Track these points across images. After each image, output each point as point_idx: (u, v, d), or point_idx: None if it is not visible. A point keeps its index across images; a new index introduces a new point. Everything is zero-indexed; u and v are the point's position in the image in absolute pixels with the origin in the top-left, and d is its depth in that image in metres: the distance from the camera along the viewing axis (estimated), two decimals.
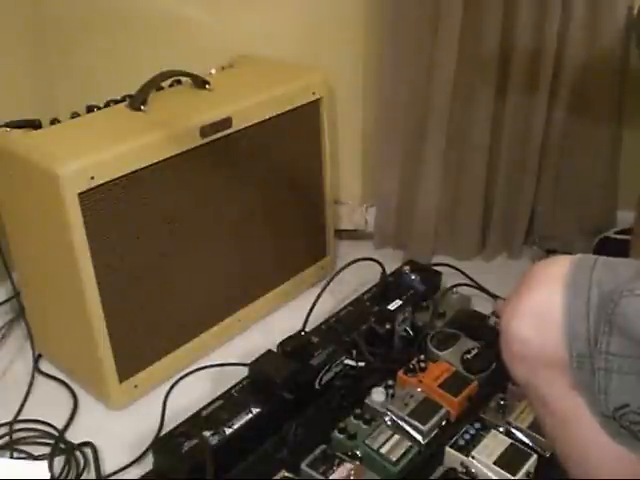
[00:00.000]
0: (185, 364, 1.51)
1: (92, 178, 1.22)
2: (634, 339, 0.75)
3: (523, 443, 1.23)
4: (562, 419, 0.85)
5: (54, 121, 1.35)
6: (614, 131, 1.74)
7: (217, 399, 1.30)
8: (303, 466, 1.18)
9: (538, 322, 0.80)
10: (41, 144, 1.28)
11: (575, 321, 0.78)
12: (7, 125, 1.32)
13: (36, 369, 1.51)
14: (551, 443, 0.92)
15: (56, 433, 1.35)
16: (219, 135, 1.40)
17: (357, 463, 1.19)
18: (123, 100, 1.42)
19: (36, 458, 1.30)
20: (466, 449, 1.20)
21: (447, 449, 1.21)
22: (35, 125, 1.32)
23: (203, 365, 1.51)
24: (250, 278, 1.59)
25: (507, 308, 0.84)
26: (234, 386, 1.33)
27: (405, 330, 1.51)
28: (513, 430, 1.26)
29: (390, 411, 1.28)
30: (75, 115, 1.37)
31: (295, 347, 1.37)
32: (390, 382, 1.35)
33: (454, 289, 1.64)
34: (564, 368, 0.80)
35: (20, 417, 1.38)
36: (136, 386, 1.43)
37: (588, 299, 0.78)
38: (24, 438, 1.34)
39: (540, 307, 0.80)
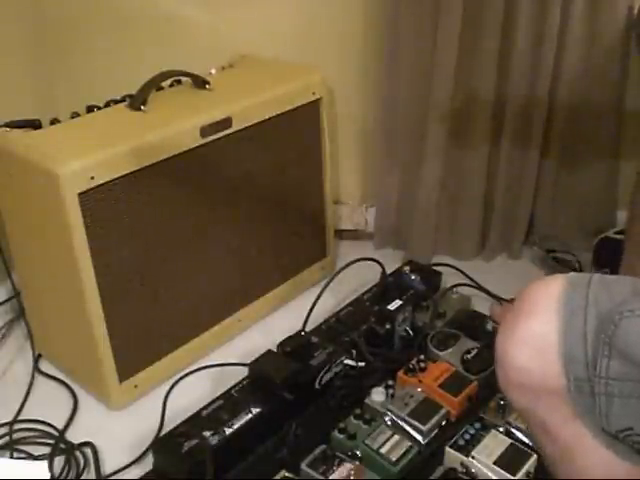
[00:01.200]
0: (185, 364, 1.51)
1: (92, 178, 1.22)
2: (635, 362, 0.73)
3: (523, 443, 1.23)
4: (564, 446, 0.82)
5: (54, 121, 1.35)
6: (614, 131, 1.74)
7: (217, 399, 1.30)
8: (303, 466, 1.18)
9: (535, 349, 0.78)
10: (41, 144, 1.28)
11: (572, 344, 0.76)
12: (7, 125, 1.32)
13: (36, 369, 1.50)
14: (551, 467, 0.90)
15: (56, 433, 1.35)
16: (219, 135, 1.40)
17: (357, 463, 1.19)
18: (123, 100, 1.42)
19: (36, 458, 1.30)
20: (466, 449, 1.20)
21: (447, 449, 1.21)
22: (35, 125, 1.32)
23: (203, 365, 1.51)
24: (250, 278, 1.59)
25: (503, 334, 0.82)
26: (234, 386, 1.33)
27: (405, 330, 1.51)
28: (513, 430, 1.26)
29: (390, 411, 1.28)
30: (75, 115, 1.37)
31: (295, 347, 1.37)
32: (390, 382, 1.35)
33: (454, 289, 1.64)
34: (565, 395, 0.78)
35: (20, 417, 1.38)
36: (136, 386, 1.42)
37: (585, 320, 0.76)
38: (24, 438, 1.34)
39: (537, 334, 0.78)
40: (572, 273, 0.81)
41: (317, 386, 1.36)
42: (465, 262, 1.82)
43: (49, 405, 1.42)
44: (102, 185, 1.24)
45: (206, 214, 1.44)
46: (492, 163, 1.76)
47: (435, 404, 1.30)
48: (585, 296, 0.77)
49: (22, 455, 1.31)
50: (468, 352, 1.40)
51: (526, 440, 1.24)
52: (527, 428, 1.24)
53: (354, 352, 1.42)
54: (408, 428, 1.26)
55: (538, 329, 0.78)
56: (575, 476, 0.84)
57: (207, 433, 1.22)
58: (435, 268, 1.70)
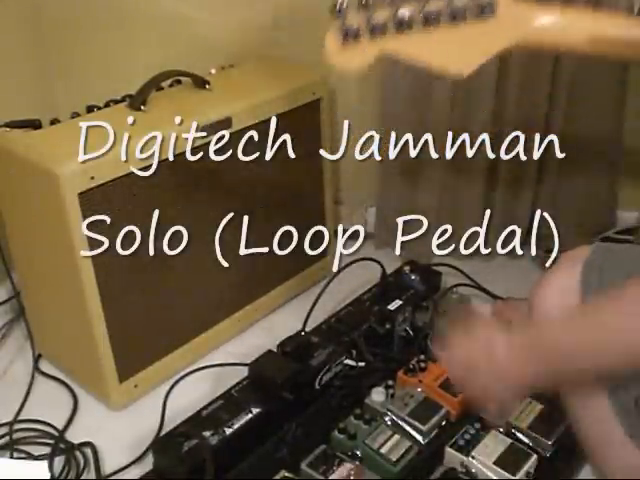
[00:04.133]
0: (185, 364, 1.51)
1: (92, 178, 1.22)
2: None
3: (523, 443, 1.23)
4: None
5: (54, 121, 1.35)
6: (615, 130, 1.74)
7: (217, 399, 1.30)
8: (303, 466, 1.18)
9: (562, 293, 0.97)
10: (41, 144, 1.28)
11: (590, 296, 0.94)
12: (7, 125, 1.32)
13: (36, 369, 1.50)
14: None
15: (56, 433, 1.35)
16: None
17: (357, 463, 1.19)
18: (123, 100, 1.42)
19: (36, 458, 1.30)
20: (466, 449, 1.20)
21: (447, 449, 1.21)
22: (35, 125, 1.32)
23: (203, 365, 1.51)
24: (250, 278, 1.59)
25: (536, 284, 1.02)
26: (234, 386, 1.33)
27: (405, 330, 1.51)
28: (513, 430, 1.26)
29: (390, 411, 1.28)
30: (75, 115, 1.37)
31: (295, 347, 1.37)
32: (390, 382, 1.35)
33: (454, 289, 1.64)
34: None
35: (20, 417, 1.38)
36: (136, 386, 1.43)
37: (599, 280, 0.95)
38: (24, 438, 1.34)
39: (563, 280, 0.98)
40: (597, 243, 1.03)
41: (317, 386, 1.36)
42: (465, 262, 1.82)
43: (49, 405, 1.42)
44: (102, 185, 1.24)
45: (206, 214, 1.44)
46: (493, 162, 1.76)
47: (435, 404, 1.30)
48: (600, 266, 0.98)
49: (22, 455, 1.31)
50: None
51: (526, 440, 1.24)
52: (527, 428, 1.25)
53: (354, 352, 1.42)
54: (408, 428, 1.26)
55: (564, 275, 0.99)
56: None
57: (207, 433, 1.22)
58: (435, 268, 1.70)
